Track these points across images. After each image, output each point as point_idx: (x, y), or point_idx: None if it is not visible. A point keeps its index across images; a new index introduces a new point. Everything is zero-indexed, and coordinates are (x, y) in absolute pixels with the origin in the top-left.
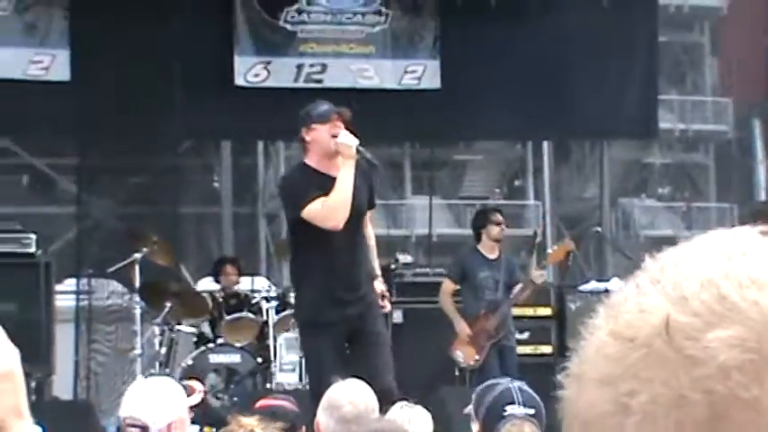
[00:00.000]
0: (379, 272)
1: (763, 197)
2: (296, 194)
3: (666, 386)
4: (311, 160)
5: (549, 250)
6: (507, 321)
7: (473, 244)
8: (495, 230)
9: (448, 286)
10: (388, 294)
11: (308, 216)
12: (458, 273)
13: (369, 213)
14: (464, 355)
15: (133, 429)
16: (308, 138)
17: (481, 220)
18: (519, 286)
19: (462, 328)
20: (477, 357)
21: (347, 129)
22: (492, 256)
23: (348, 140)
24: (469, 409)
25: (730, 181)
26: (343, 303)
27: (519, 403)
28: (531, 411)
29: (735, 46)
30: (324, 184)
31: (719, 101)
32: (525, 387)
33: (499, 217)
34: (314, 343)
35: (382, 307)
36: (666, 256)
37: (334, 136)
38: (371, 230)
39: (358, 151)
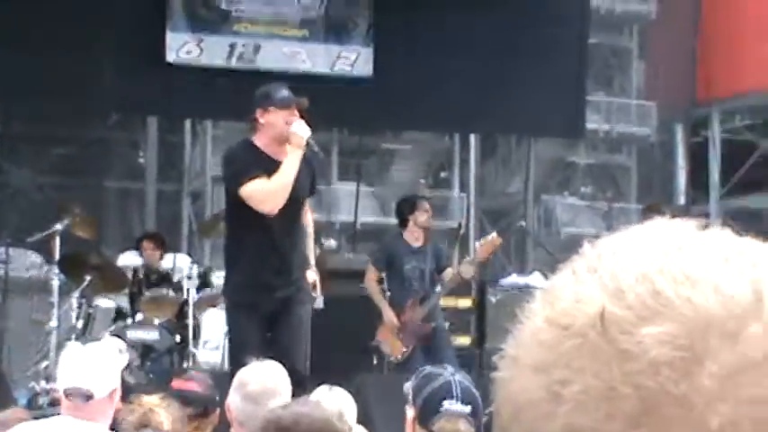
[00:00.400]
0: (313, 261)
1: (682, 201)
2: (238, 171)
3: (598, 378)
4: (260, 141)
5: (478, 245)
6: (435, 312)
7: (398, 231)
8: (422, 217)
9: (372, 274)
10: (319, 285)
11: (245, 194)
12: (383, 260)
13: (307, 201)
14: (390, 347)
15: (76, 400)
16: (262, 120)
17: (409, 207)
18: (447, 275)
19: (390, 317)
20: (404, 350)
21: (302, 117)
22: (417, 245)
23: (302, 131)
24: (407, 388)
25: (651, 183)
26: (273, 287)
27: (457, 399)
28: (468, 409)
29: (662, 51)
30: (268, 166)
31: (644, 104)
32: (466, 381)
33: (426, 204)
34: (239, 324)
35: (313, 298)
36: (604, 244)
37: (289, 123)
38: (311, 218)
39: (307, 143)
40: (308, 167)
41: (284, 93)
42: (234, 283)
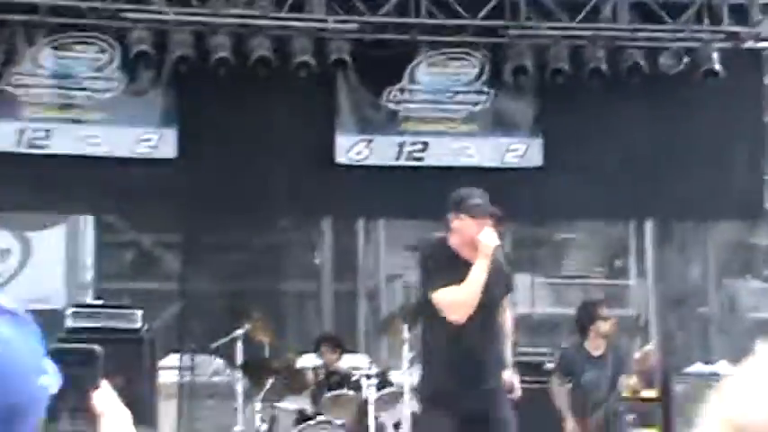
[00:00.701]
0: (510, 361)
1: None
2: (431, 273)
3: None
4: (454, 242)
5: (637, 354)
6: (612, 417)
7: (579, 340)
8: (605, 327)
9: (556, 381)
10: (517, 386)
11: (435, 300)
12: (564, 369)
13: (507, 299)
14: None
15: None
16: (453, 225)
17: (589, 316)
18: (623, 383)
19: (571, 428)
20: None
21: (494, 226)
22: (598, 353)
23: (490, 241)
24: None
25: None
26: (468, 388)
27: None
28: None
29: None
30: (461, 269)
31: None
32: None
33: (605, 310)
34: (430, 421)
35: (510, 399)
36: None
37: (479, 232)
38: (510, 316)
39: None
40: (501, 275)
41: (477, 201)
42: (427, 379)
